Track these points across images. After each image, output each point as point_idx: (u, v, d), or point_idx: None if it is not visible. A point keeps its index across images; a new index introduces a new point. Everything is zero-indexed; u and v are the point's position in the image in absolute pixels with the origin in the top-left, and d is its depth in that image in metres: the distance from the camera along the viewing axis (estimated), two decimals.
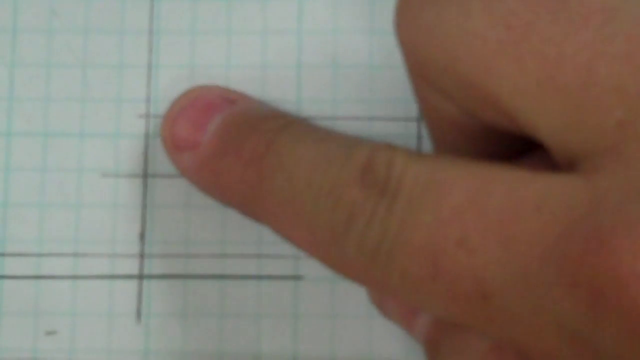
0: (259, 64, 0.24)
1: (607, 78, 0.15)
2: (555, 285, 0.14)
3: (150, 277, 0.23)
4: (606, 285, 0.14)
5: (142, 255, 0.23)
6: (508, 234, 0.15)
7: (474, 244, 0.15)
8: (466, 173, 0.16)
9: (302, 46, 0.24)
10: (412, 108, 0.23)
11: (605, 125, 0.15)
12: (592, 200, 0.15)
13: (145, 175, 0.23)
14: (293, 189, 0.18)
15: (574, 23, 0.15)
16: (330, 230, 0.17)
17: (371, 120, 0.23)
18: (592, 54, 0.15)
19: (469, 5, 0.16)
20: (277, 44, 0.24)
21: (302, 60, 0.24)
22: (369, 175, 0.17)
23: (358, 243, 0.17)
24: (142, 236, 0.23)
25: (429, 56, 0.17)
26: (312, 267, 0.23)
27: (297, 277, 0.23)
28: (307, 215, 0.18)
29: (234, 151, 0.20)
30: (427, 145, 0.23)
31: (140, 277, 0.23)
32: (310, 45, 0.24)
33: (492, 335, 0.16)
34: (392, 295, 0.19)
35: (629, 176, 0.14)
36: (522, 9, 0.15)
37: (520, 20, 0.15)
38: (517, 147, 0.18)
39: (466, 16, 0.16)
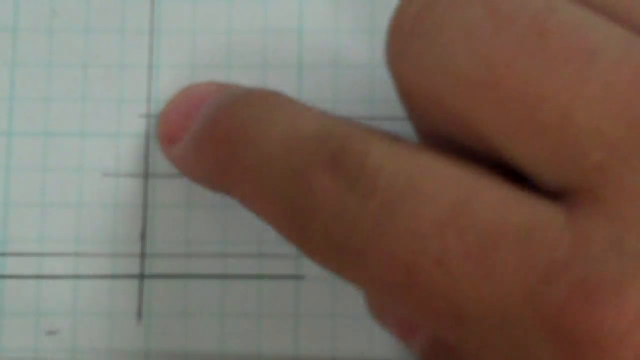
0: (260, 63, 0.24)
1: (585, 121, 0.15)
2: (534, 327, 0.15)
3: (151, 276, 0.23)
4: (586, 341, 0.14)
5: (143, 255, 0.23)
6: (488, 264, 0.15)
7: (453, 267, 0.15)
8: (448, 182, 0.16)
9: (303, 45, 0.24)
10: None
11: (584, 166, 0.15)
12: (574, 242, 0.15)
13: (146, 174, 0.23)
14: (260, 166, 0.18)
15: (553, 63, 0.15)
16: (297, 213, 0.17)
17: (372, 119, 0.23)
18: (571, 96, 0.15)
19: (452, 44, 0.16)
20: (278, 44, 0.24)
21: (302, 59, 0.24)
22: (340, 163, 0.17)
23: (325, 233, 0.17)
24: (143, 236, 0.23)
25: (416, 89, 0.17)
26: (313, 267, 0.23)
27: (298, 277, 0.23)
28: (273, 194, 0.18)
29: (210, 128, 0.20)
30: None
31: (141, 276, 0.23)
32: (311, 45, 0.24)
33: (467, 353, 0.16)
34: (358, 289, 0.19)
35: (610, 223, 0.15)
36: (503, 48, 0.15)
37: (501, 60, 0.15)
38: None
39: (449, 55, 0.16)
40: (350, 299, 0.23)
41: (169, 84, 0.24)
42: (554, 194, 0.16)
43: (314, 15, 0.24)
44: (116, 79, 0.24)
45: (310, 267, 0.23)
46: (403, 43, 0.17)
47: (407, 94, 0.17)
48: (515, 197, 0.16)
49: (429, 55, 0.16)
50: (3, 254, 0.23)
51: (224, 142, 0.19)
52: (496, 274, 0.15)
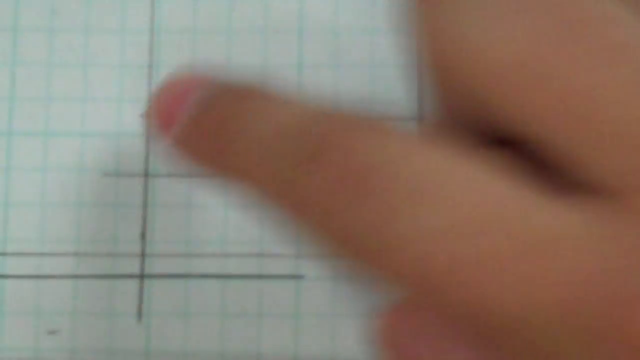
0: (260, 62, 0.24)
1: (629, 120, 0.14)
2: (568, 339, 0.14)
3: (151, 276, 0.23)
4: (624, 353, 0.14)
5: (143, 255, 0.23)
6: (525, 271, 0.14)
7: (488, 274, 0.14)
8: (463, 184, 0.15)
9: (303, 45, 0.24)
10: (413, 107, 0.23)
11: (622, 167, 0.14)
12: (607, 253, 0.14)
13: (146, 174, 0.23)
14: (247, 161, 0.17)
15: (613, 55, 0.14)
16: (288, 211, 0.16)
17: None
18: (632, 92, 0.14)
19: (494, 30, 0.15)
20: (278, 43, 0.24)
21: (302, 59, 0.24)
22: (322, 161, 0.15)
23: (315, 234, 0.15)
24: (143, 236, 0.23)
25: (451, 68, 0.15)
26: (313, 267, 0.23)
27: (298, 277, 0.23)
28: (269, 189, 0.17)
29: (205, 117, 0.19)
30: None
31: (141, 276, 0.23)
32: (311, 44, 0.24)
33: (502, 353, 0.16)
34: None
35: None
36: (550, 37, 0.15)
37: (543, 43, 0.15)
38: None
39: (491, 30, 0.15)
40: (350, 298, 0.23)
41: None
42: (586, 189, 0.15)
43: (315, 15, 0.24)
44: (116, 78, 0.24)
45: (310, 267, 0.23)
46: (441, 21, 0.15)
47: (441, 70, 0.16)
48: (542, 201, 0.15)
49: (468, 24, 0.15)
50: (3, 254, 0.23)
51: (213, 137, 0.19)
52: (534, 284, 0.14)
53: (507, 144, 0.16)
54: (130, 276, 0.23)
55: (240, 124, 0.18)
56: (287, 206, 0.16)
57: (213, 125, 0.19)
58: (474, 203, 0.15)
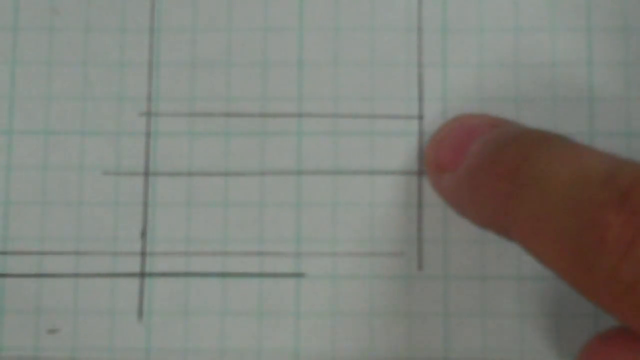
0: (260, 61, 0.24)
1: None
2: None
3: (152, 275, 0.23)
4: None
5: (143, 253, 0.23)
6: None
7: None
8: None
9: (303, 43, 0.24)
10: (413, 105, 0.23)
11: None
12: None
13: (147, 173, 0.23)
14: (545, 203, 0.18)
15: None
16: (579, 251, 0.17)
17: (372, 117, 0.23)
18: None
19: None
20: (278, 41, 0.24)
21: (303, 57, 0.24)
22: (629, 201, 0.16)
23: (611, 273, 0.16)
24: (143, 234, 0.23)
25: None
26: (313, 265, 0.23)
27: (298, 275, 0.23)
28: (556, 231, 0.17)
29: (489, 165, 0.20)
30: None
31: (142, 275, 0.23)
32: (312, 42, 0.24)
33: None
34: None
35: None
36: None
37: None
38: None
39: None
40: (351, 297, 0.23)
41: (169, 81, 0.24)
42: None
43: (315, 13, 0.24)
44: (116, 77, 0.24)
45: (311, 266, 0.23)
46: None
47: None
48: None
49: None
50: (4, 253, 0.23)
51: (504, 179, 0.19)
52: None
53: None
54: (130, 275, 0.23)
55: (539, 167, 0.18)
56: (582, 252, 0.17)
57: (506, 166, 0.19)
58: None
